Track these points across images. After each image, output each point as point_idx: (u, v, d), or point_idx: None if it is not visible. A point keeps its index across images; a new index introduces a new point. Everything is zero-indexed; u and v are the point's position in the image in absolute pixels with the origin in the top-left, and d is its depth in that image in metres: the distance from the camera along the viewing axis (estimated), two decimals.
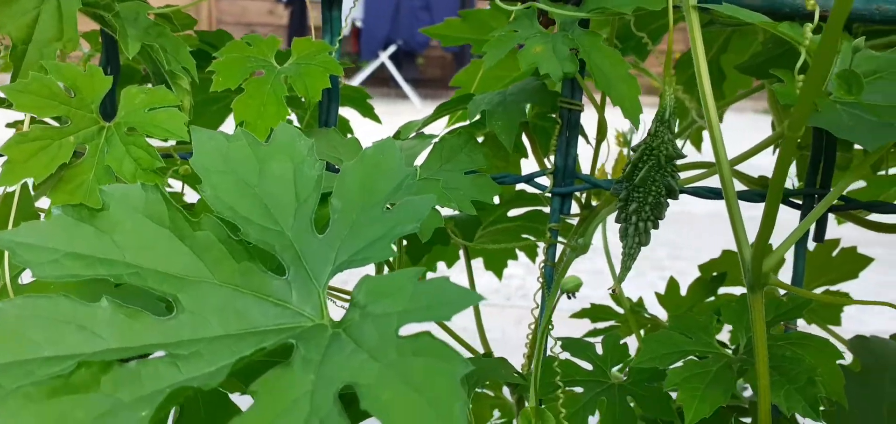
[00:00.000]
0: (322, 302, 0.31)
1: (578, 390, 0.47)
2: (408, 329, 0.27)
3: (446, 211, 0.64)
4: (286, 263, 0.32)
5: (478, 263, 0.72)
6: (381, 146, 0.35)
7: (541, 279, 0.49)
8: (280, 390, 0.27)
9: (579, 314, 0.65)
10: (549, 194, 0.50)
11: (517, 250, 0.73)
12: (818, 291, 0.66)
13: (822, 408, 0.48)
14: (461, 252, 0.68)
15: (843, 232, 0.64)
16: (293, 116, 0.63)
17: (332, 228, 0.33)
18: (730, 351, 0.44)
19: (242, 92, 0.43)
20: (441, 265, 0.78)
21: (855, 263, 0.65)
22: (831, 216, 0.66)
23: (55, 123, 0.40)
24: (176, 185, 0.84)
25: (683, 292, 0.65)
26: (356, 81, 5.46)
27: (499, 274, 0.76)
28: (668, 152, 0.41)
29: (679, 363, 0.42)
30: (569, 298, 0.37)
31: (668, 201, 0.42)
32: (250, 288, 0.31)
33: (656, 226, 0.42)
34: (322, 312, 0.31)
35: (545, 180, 0.51)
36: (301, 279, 0.32)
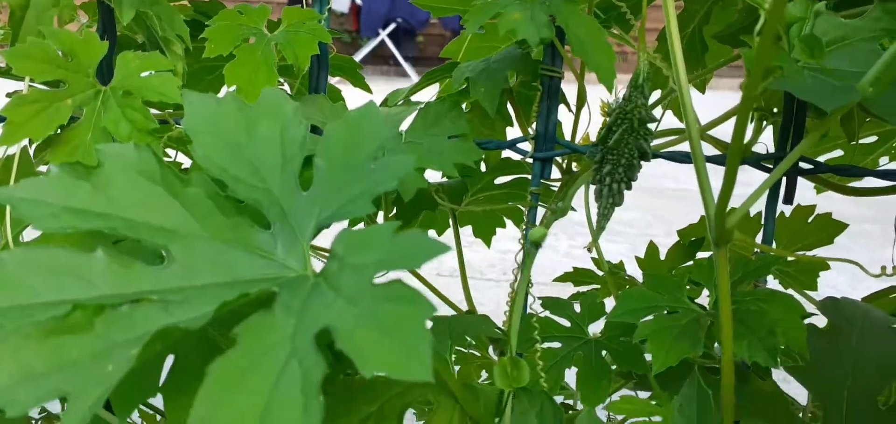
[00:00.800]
0: (305, 255, 0.33)
1: (556, 345, 0.49)
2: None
3: (434, 178, 0.65)
4: (272, 218, 0.34)
5: (477, 242, 0.73)
6: (363, 109, 0.36)
7: (521, 240, 0.50)
8: (262, 332, 0.28)
9: (562, 278, 0.67)
10: (531, 160, 0.51)
11: (510, 225, 0.75)
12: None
13: (792, 364, 0.49)
14: (451, 220, 0.69)
15: (838, 209, 0.65)
16: (286, 86, 0.63)
17: (315, 186, 0.34)
18: (700, 308, 0.45)
19: (234, 59, 0.44)
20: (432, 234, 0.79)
21: (829, 228, 0.66)
22: (814, 191, 0.67)
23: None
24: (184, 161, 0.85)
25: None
26: (356, 58, 5.45)
27: (487, 241, 0.77)
28: (640, 116, 0.42)
29: (650, 318, 0.43)
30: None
31: (642, 163, 0.43)
32: (238, 241, 0.33)
33: (629, 187, 0.43)
34: (305, 264, 0.33)
35: (527, 146, 0.52)
36: (286, 233, 0.33)
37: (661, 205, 2.62)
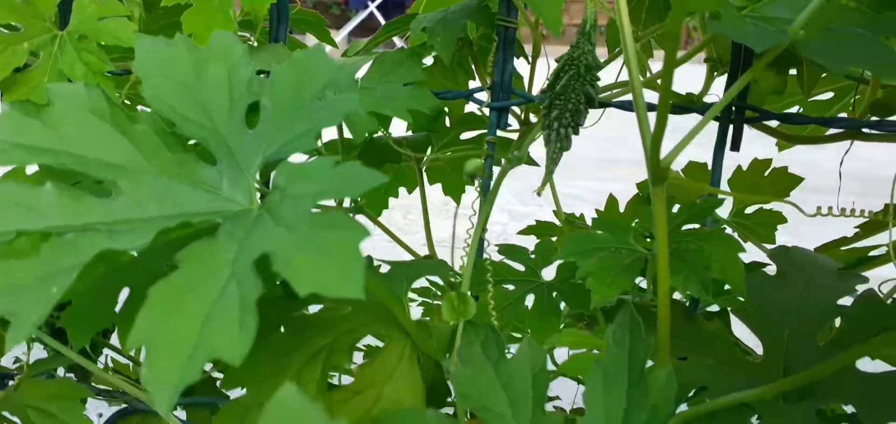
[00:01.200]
0: (251, 190, 0.34)
1: (510, 287, 0.50)
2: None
3: (399, 132, 0.66)
4: (219, 156, 0.35)
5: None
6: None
7: (478, 188, 0.52)
8: (204, 257, 0.29)
9: (525, 231, 0.68)
10: (488, 109, 0.52)
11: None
12: (751, 209, 0.69)
13: (739, 307, 0.51)
14: (418, 173, 0.70)
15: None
16: (253, 41, 0.64)
17: (261, 124, 0.35)
18: (644, 249, 0.46)
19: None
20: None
21: (786, 182, 0.67)
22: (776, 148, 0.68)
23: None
24: None
25: None
26: (344, 31, 5.40)
27: (457, 198, 0.78)
28: (587, 62, 0.43)
29: (595, 257, 0.45)
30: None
31: (588, 109, 0.44)
32: (184, 177, 0.34)
33: (577, 132, 0.44)
34: (251, 199, 0.34)
35: (485, 96, 0.53)
36: (232, 169, 0.34)
37: (637, 169, 2.64)
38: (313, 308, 0.45)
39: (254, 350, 0.44)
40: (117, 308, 0.38)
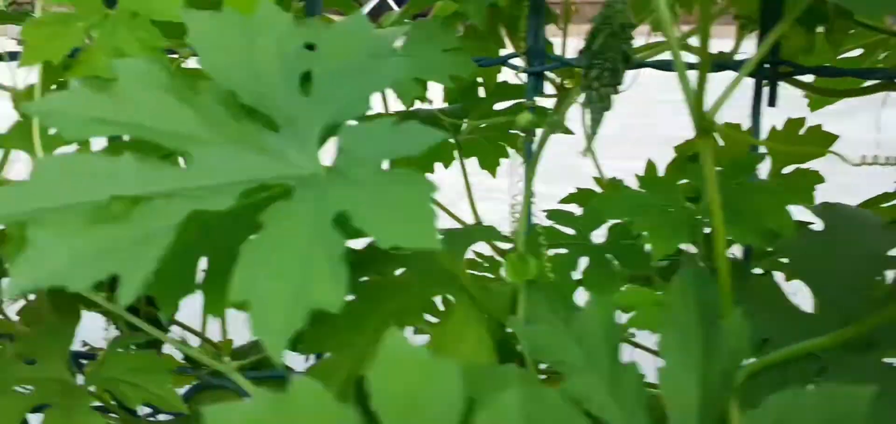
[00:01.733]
0: (316, 155, 0.37)
1: (563, 251, 0.53)
2: None
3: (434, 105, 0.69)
4: (280, 123, 0.38)
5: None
6: (353, 18, 0.40)
7: (521, 153, 0.55)
8: (285, 217, 0.32)
9: (566, 200, 0.71)
10: (525, 75, 0.55)
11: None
12: (789, 169, 0.72)
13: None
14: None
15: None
16: None
17: (315, 92, 0.38)
18: (692, 207, 0.50)
19: None
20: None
21: (823, 139, 0.70)
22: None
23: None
24: None
25: None
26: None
27: (493, 171, 0.80)
28: (622, 20, 0.46)
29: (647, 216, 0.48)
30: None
31: (626, 68, 0.47)
32: (251, 145, 0.37)
33: (617, 92, 0.48)
34: (317, 164, 0.37)
35: (520, 62, 0.56)
36: (295, 136, 0.38)
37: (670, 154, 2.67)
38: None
39: (329, 317, 0.48)
40: None
